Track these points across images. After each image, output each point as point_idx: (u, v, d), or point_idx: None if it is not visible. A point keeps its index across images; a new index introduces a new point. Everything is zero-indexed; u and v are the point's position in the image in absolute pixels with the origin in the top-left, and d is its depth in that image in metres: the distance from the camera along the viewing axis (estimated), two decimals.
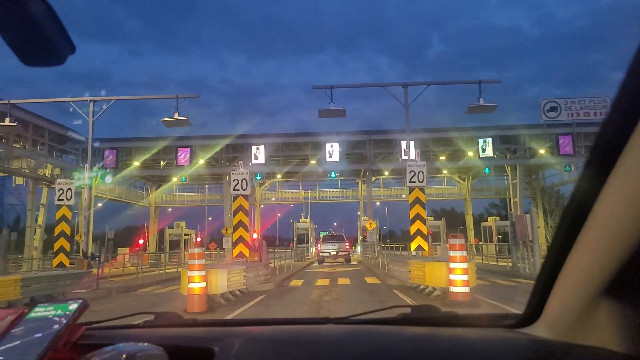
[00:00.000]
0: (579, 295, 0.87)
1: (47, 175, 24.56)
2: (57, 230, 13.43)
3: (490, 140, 29.01)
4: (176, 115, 14.16)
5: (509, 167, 31.62)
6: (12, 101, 16.13)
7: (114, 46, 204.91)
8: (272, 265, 16.37)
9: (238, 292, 10.66)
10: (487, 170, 31.99)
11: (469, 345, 0.99)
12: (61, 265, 12.48)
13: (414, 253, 13.99)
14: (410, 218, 13.14)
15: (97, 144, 26.15)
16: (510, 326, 1.13)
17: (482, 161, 29.50)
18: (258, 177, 30.51)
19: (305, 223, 37.47)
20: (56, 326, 0.75)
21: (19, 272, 18.71)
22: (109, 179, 17.87)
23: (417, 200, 13.00)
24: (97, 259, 12.53)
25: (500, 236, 36.16)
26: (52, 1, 0.52)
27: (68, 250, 12.99)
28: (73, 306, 0.81)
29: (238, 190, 12.46)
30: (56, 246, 13.13)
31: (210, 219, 49.67)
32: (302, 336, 1.08)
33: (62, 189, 12.74)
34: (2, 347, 0.68)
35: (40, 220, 23.37)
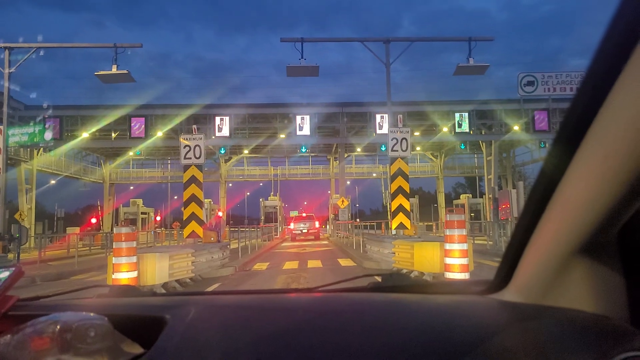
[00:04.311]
0: (549, 257, 0.84)
1: None
2: None
3: (466, 115, 28.05)
4: (114, 69, 11.72)
5: (484, 144, 30.95)
6: None
7: (74, 16, 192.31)
8: (234, 246, 14.55)
9: (189, 281, 8.82)
10: (462, 146, 31.21)
11: (438, 309, 0.97)
12: None
13: (394, 232, 12.44)
14: (392, 192, 11.48)
15: (50, 112, 23.20)
16: (481, 292, 1.08)
17: (457, 137, 28.70)
18: (222, 151, 28.34)
19: (273, 201, 35.77)
20: None
21: None
22: (48, 135, 15.06)
23: (399, 172, 11.32)
24: (15, 240, 10.41)
25: (472, 214, 35.75)
26: None
27: None
28: (4, 274, 0.74)
29: (190, 158, 10.38)
30: None
31: (176, 197, 47.36)
32: (266, 303, 1.00)
33: None
34: None
35: None
